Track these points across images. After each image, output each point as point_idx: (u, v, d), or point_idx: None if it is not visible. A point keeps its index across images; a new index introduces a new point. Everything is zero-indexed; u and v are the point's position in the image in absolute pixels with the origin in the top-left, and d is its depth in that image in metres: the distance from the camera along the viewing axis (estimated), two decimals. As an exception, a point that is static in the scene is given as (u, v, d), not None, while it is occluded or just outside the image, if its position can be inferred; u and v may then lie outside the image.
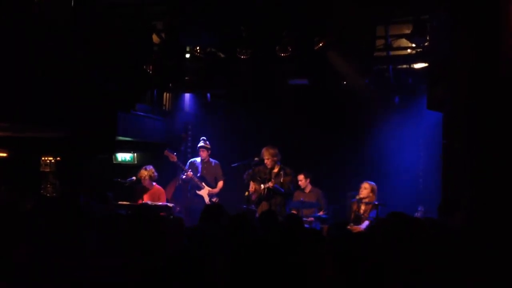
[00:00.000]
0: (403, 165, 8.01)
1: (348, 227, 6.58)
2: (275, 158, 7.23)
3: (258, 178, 7.31)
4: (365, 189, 6.88)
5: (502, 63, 3.92)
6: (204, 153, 7.89)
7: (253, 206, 7.26)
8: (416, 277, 2.62)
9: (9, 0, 5.57)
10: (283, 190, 7.19)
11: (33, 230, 2.69)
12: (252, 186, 7.34)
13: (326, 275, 2.90)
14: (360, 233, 5.93)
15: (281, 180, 7.12)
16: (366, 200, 6.85)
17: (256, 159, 7.30)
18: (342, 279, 2.71)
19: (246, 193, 7.41)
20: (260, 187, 7.25)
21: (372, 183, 6.95)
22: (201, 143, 7.92)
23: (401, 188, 7.74)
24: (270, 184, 7.14)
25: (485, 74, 3.99)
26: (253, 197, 7.34)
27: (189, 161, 8.07)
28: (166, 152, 7.80)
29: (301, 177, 7.50)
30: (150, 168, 7.34)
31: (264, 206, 7.16)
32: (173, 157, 7.80)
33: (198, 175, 7.86)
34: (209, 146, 7.93)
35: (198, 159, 7.98)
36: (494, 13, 3.99)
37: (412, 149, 8.15)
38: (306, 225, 6.42)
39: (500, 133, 3.89)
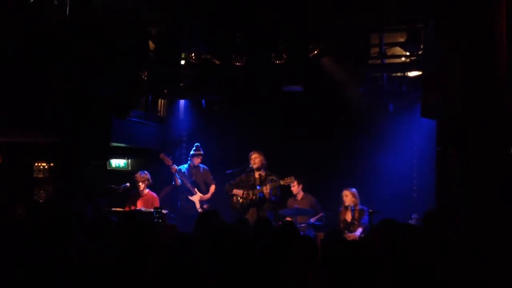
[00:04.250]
0: (397, 172, 8.03)
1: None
2: (264, 161, 7.27)
3: (243, 185, 7.31)
4: (346, 196, 6.94)
5: (494, 68, 3.95)
6: (198, 160, 7.90)
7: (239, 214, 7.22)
8: (411, 284, 2.62)
9: (4, 5, 5.56)
10: (273, 198, 7.19)
11: (23, 235, 2.68)
12: (238, 193, 7.33)
13: (319, 283, 2.89)
14: (354, 240, 5.94)
15: (271, 185, 7.13)
16: (352, 206, 6.89)
17: (250, 164, 7.32)
18: (335, 286, 2.70)
19: (235, 200, 7.40)
20: (249, 193, 7.24)
21: (352, 189, 6.99)
22: (198, 151, 7.92)
23: (395, 195, 7.75)
24: (265, 189, 7.13)
25: (477, 80, 4.02)
26: (237, 206, 7.33)
27: (178, 168, 8.04)
28: (162, 156, 7.80)
29: (294, 183, 7.49)
30: (146, 173, 7.33)
31: (253, 213, 7.15)
32: (168, 160, 7.80)
33: (192, 180, 7.85)
34: (202, 153, 7.95)
35: (185, 166, 7.97)
36: (485, 18, 4.02)
37: (406, 156, 8.18)
38: (300, 233, 6.41)
39: (493, 139, 3.92)
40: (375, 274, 2.67)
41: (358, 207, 6.90)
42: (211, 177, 7.97)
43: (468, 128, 4.01)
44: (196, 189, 7.82)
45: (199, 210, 7.67)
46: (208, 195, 7.88)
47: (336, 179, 7.91)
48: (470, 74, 4.04)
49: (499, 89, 3.96)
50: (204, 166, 8.02)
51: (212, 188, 7.93)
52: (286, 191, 7.52)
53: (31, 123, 6.16)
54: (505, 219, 3.76)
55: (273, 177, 7.26)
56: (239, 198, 7.32)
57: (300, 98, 8.48)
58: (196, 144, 8.02)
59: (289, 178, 7.22)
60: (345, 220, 6.98)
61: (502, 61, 3.94)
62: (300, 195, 7.56)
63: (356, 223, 6.90)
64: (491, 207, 3.82)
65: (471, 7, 4.09)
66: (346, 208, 6.97)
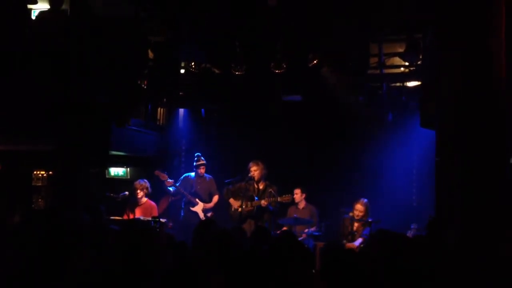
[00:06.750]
0: (397, 182, 8.02)
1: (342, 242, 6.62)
2: (263, 171, 7.26)
3: (241, 195, 7.29)
4: (361, 212, 6.88)
5: (493, 73, 3.97)
6: (203, 170, 7.90)
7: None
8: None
9: (5, 13, 5.59)
10: (272, 208, 7.17)
11: (19, 243, 2.67)
12: (234, 203, 7.32)
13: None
14: (353, 251, 5.91)
15: (268, 199, 7.11)
16: (359, 217, 6.87)
17: (249, 175, 7.30)
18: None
19: (233, 209, 7.38)
20: (247, 204, 7.22)
21: (365, 200, 6.97)
22: (200, 161, 7.89)
23: (395, 205, 7.73)
24: (263, 202, 7.12)
25: (476, 85, 4.03)
26: (235, 215, 7.30)
27: (183, 175, 8.05)
28: (157, 172, 7.74)
29: (297, 191, 7.48)
30: (146, 181, 7.31)
31: (251, 223, 7.13)
32: (164, 176, 7.76)
33: (193, 190, 7.83)
34: (204, 162, 7.94)
35: (193, 174, 7.96)
36: (483, 28, 4.05)
37: (405, 166, 8.18)
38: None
39: (493, 146, 3.93)
40: (372, 283, 2.66)
41: (367, 219, 6.83)
42: (216, 187, 7.96)
43: (467, 134, 4.02)
44: (197, 199, 7.81)
45: (203, 219, 7.65)
46: (211, 204, 7.87)
47: (335, 188, 7.91)
48: (469, 78, 4.05)
49: (499, 94, 3.97)
50: (210, 176, 8.01)
51: (215, 198, 7.92)
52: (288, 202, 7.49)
53: (29, 130, 6.16)
54: (505, 227, 3.76)
55: (272, 190, 7.21)
56: (237, 208, 7.30)
57: (300, 108, 8.50)
58: (196, 154, 8.01)
59: (287, 196, 7.19)
60: (348, 229, 6.94)
61: (502, 66, 3.96)
62: (302, 204, 7.54)
63: (357, 233, 6.89)
64: (491, 215, 3.81)
65: (471, 10, 4.11)
66: (354, 218, 6.90)
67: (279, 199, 7.12)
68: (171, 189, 7.81)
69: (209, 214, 7.78)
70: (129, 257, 2.74)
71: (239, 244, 3.28)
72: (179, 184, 7.89)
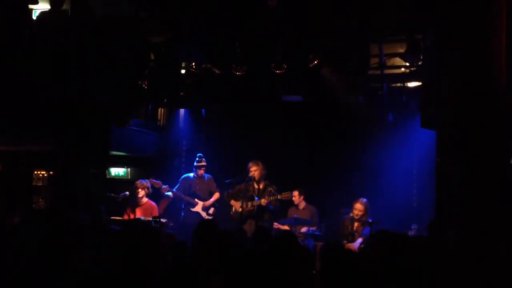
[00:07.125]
0: (397, 183, 8.03)
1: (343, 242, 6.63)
2: (263, 171, 7.26)
3: (241, 196, 7.29)
4: (360, 211, 6.88)
5: (492, 77, 3.97)
6: (202, 171, 7.91)
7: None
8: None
9: (5, 13, 5.59)
10: (272, 208, 7.17)
11: (19, 243, 2.67)
12: (235, 205, 7.33)
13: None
14: (352, 251, 5.91)
15: (268, 197, 7.11)
16: (360, 217, 6.87)
17: (250, 175, 7.31)
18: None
19: (233, 211, 7.39)
20: (247, 205, 7.22)
21: (364, 200, 6.97)
22: (201, 163, 7.90)
23: (395, 206, 7.74)
24: (263, 201, 7.12)
25: (476, 86, 4.04)
26: (235, 216, 7.31)
27: (183, 176, 8.06)
28: (151, 181, 7.71)
29: (295, 193, 7.49)
30: (147, 181, 7.32)
31: (251, 223, 7.14)
32: (158, 183, 7.74)
33: (192, 191, 7.84)
34: (205, 164, 7.94)
35: (192, 175, 7.97)
36: (483, 28, 4.05)
37: (406, 166, 8.19)
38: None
39: (490, 150, 3.93)
40: (372, 283, 2.66)
41: (367, 219, 6.84)
42: (215, 185, 7.98)
43: (467, 134, 4.02)
44: (196, 199, 7.82)
45: (206, 217, 7.68)
46: (211, 201, 7.88)
47: (335, 188, 7.91)
48: (469, 78, 4.05)
49: (499, 94, 3.97)
50: (209, 176, 8.03)
51: (216, 195, 7.93)
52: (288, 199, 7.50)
53: (29, 130, 6.16)
54: (504, 228, 3.76)
55: (272, 189, 7.22)
56: (238, 209, 7.31)
57: (300, 108, 8.50)
58: (198, 154, 8.02)
59: (286, 193, 7.18)
60: (348, 230, 6.95)
61: (502, 66, 3.97)
62: (302, 205, 7.55)
63: (357, 233, 6.89)
64: (491, 215, 3.82)
65: (471, 10, 4.11)
66: (354, 218, 6.91)
67: (278, 196, 7.13)
68: (169, 194, 7.82)
69: (210, 211, 7.80)
70: (129, 257, 2.74)
71: (239, 244, 3.28)
72: (178, 186, 7.90)
